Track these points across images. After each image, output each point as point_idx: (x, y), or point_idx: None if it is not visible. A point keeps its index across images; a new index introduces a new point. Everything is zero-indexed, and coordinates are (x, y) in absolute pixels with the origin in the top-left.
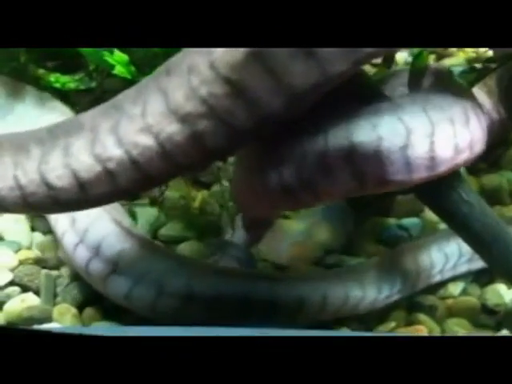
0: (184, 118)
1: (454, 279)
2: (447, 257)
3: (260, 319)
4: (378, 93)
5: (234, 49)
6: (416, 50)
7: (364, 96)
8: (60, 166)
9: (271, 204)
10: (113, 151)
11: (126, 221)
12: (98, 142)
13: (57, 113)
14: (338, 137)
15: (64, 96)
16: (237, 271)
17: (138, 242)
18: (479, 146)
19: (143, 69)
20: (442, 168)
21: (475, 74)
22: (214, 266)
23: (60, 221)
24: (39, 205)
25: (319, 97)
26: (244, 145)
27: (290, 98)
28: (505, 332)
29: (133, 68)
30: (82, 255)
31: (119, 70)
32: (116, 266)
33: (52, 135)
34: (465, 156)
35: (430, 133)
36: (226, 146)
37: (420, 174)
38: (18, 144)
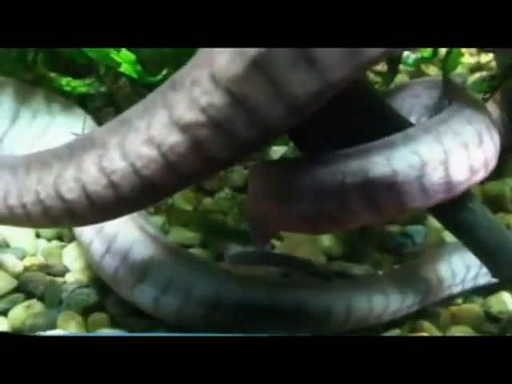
0: (185, 129)
1: (475, 290)
2: (468, 267)
3: (285, 328)
4: (383, 104)
5: (234, 59)
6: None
7: (370, 108)
8: (71, 180)
9: (290, 229)
10: (118, 164)
11: (152, 228)
12: (106, 156)
13: (71, 116)
14: (354, 172)
15: (80, 101)
16: (263, 279)
17: (164, 249)
18: (493, 162)
19: (150, 69)
20: (459, 189)
21: (495, 81)
22: (240, 274)
23: (86, 230)
24: (58, 218)
25: (322, 104)
26: (248, 154)
27: (291, 106)
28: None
29: (139, 67)
30: (109, 264)
31: (125, 68)
32: (144, 273)
33: (70, 151)
34: (480, 175)
35: (445, 160)
36: (229, 155)
37: (437, 198)
38: (43, 161)
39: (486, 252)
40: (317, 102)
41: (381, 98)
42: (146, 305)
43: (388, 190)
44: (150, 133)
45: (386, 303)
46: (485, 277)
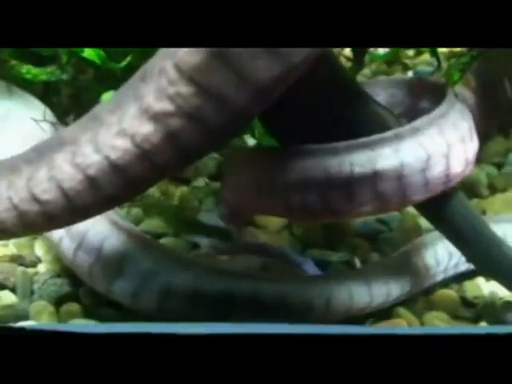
0: (156, 118)
1: (455, 278)
2: (451, 254)
3: (266, 320)
4: (361, 93)
5: (193, 48)
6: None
7: (348, 97)
8: (45, 180)
9: (285, 217)
10: (92, 158)
11: (122, 220)
12: (79, 151)
13: (24, 103)
14: (362, 163)
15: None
16: (241, 272)
17: (138, 241)
18: (476, 154)
19: (114, 55)
20: (454, 182)
21: (474, 52)
22: (218, 266)
23: None
24: (34, 223)
25: (286, 87)
26: (222, 142)
27: (254, 91)
28: (483, 324)
29: (102, 53)
30: (83, 260)
31: (88, 52)
32: (120, 268)
33: (38, 153)
34: (471, 167)
35: (447, 153)
36: (202, 144)
37: (436, 190)
38: (11, 167)
39: (461, 238)
40: (280, 86)
41: (358, 86)
42: (125, 299)
43: (394, 183)
44: (122, 125)
45: (370, 298)
46: (465, 264)
